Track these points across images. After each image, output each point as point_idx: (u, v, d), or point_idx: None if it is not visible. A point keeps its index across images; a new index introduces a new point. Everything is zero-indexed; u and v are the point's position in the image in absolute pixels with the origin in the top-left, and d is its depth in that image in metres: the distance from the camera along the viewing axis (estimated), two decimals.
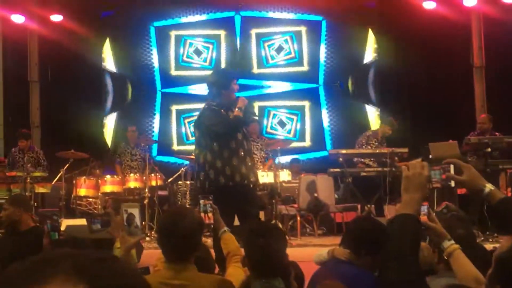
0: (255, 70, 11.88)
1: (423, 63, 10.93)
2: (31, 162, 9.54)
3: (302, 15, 11.90)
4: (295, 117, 11.78)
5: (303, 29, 11.90)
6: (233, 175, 5.19)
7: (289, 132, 11.77)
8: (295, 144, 10.96)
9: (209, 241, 5.44)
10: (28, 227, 4.96)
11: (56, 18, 11.05)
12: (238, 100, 5.38)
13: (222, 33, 11.89)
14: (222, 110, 5.39)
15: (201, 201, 3.68)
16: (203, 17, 11.91)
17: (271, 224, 4.07)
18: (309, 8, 11.69)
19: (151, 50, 11.84)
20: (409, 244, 2.01)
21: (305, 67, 11.91)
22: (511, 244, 2.26)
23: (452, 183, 2.35)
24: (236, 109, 5.30)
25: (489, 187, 2.33)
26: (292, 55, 11.91)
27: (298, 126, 11.82)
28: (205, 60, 11.91)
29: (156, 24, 11.93)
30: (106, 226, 3.28)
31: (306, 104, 11.81)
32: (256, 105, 11.22)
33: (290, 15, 11.92)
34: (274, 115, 11.85)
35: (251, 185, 5.36)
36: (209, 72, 11.18)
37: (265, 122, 11.60)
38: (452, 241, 2.45)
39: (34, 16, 11.21)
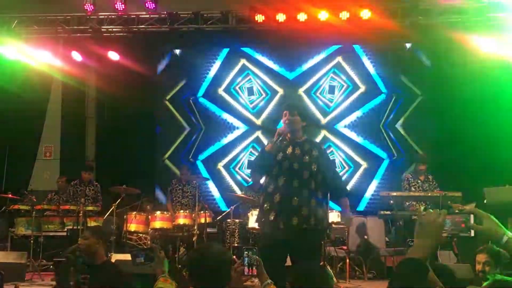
0: (323, 120, 11.87)
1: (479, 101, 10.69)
2: (91, 195, 9.87)
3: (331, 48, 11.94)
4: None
5: (339, 58, 11.92)
6: (259, 213, 5.08)
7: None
8: None
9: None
10: (103, 260, 4.89)
11: (113, 56, 11.41)
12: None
13: (280, 91, 12.07)
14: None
15: (245, 253, 3.42)
16: (275, 66, 12.08)
17: (316, 265, 3.95)
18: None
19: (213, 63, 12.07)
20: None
21: (362, 88, 11.87)
22: None
23: (472, 233, 2.33)
24: (268, 142, 5.05)
25: (508, 235, 2.31)
26: (345, 85, 11.90)
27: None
28: (251, 102, 12.06)
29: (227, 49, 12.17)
30: (150, 260, 3.26)
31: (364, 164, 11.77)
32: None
33: (321, 56, 11.97)
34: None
35: (280, 226, 4.83)
36: (246, 114, 11.69)
37: None
38: None
39: (92, 54, 11.56)
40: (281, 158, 4.97)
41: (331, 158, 5.28)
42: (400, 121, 11.64)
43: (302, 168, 4.94)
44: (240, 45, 11.91)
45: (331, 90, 11.89)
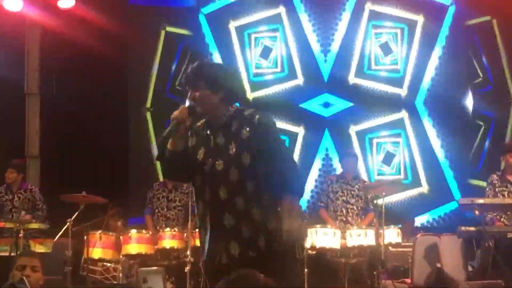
0: (351, 78, 10.13)
1: None
2: (23, 205, 8.53)
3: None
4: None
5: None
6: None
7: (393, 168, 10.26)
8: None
9: None
10: None
11: (65, 4, 9.52)
12: None
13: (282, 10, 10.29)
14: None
15: None
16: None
17: None
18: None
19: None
20: None
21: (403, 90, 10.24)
22: None
23: None
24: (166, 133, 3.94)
25: None
26: (397, 66, 10.23)
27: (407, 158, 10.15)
28: (275, 64, 10.37)
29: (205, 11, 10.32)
30: None
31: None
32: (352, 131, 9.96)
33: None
34: (378, 145, 10.17)
35: (222, 260, 3.77)
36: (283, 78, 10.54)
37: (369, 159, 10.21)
38: None
39: (35, 2, 9.77)
40: (202, 157, 3.83)
41: (278, 133, 3.79)
42: None
43: (228, 165, 3.77)
44: None
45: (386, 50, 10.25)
